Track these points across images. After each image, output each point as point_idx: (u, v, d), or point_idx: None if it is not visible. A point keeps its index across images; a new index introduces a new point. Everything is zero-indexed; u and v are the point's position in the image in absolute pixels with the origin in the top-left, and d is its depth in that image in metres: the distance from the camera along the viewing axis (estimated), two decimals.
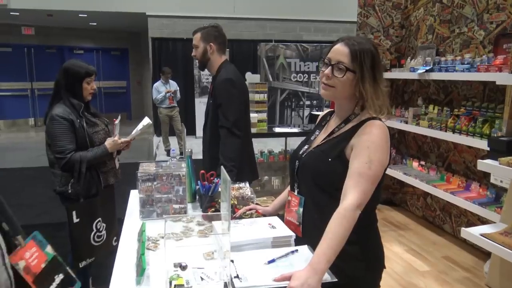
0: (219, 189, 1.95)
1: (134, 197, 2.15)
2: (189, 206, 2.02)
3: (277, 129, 4.41)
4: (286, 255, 1.41)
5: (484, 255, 3.63)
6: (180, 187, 1.86)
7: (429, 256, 3.74)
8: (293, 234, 1.52)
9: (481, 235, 2.80)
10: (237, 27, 10.40)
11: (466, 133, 3.43)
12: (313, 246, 1.44)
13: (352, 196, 1.34)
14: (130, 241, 1.68)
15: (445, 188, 3.82)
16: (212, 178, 1.95)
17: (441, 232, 4.27)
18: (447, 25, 4.09)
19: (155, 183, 1.84)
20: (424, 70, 3.91)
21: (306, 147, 1.60)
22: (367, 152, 1.38)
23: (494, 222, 3.16)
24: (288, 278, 1.24)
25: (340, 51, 1.46)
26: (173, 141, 8.33)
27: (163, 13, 10.23)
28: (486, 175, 3.58)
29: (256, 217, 1.75)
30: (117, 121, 2.54)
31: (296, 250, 1.44)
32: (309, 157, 1.53)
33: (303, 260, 1.38)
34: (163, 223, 1.81)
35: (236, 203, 1.88)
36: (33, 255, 1.01)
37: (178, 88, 7.96)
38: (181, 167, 1.94)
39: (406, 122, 4.27)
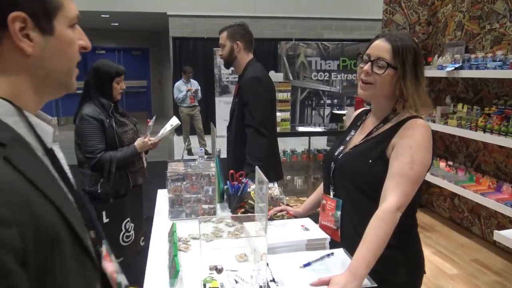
0: (248, 189, 1.92)
1: (162, 196, 2.14)
2: (217, 206, 1.99)
3: (300, 128, 4.36)
4: (322, 258, 1.37)
5: None
6: (210, 187, 1.84)
7: (458, 259, 3.63)
8: (327, 236, 1.48)
9: None
10: (257, 25, 10.36)
11: (498, 132, 3.32)
12: (352, 251, 1.39)
13: (392, 197, 1.29)
14: (160, 242, 1.66)
15: (475, 189, 3.71)
16: (241, 178, 1.92)
17: (469, 234, 4.15)
18: (477, 21, 3.97)
19: (184, 183, 1.82)
20: (453, 68, 3.81)
21: (341, 148, 1.55)
22: (409, 152, 1.33)
23: None
24: (326, 283, 1.20)
25: (381, 47, 1.41)
26: (194, 139, 8.36)
27: (183, 12, 10.27)
28: None
29: (287, 218, 1.71)
30: (150, 122, 2.53)
31: (332, 253, 1.40)
32: (346, 159, 1.48)
33: (339, 264, 1.34)
34: (192, 223, 1.81)
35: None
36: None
37: (199, 87, 7.98)
38: (209, 166, 1.92)
39: (434, 121, 4.16)
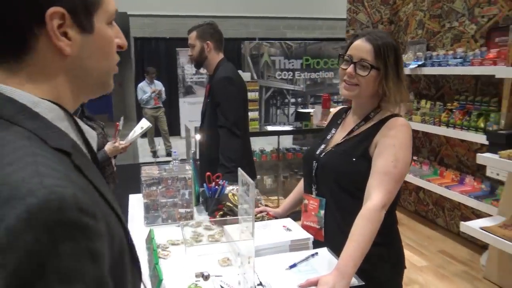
0: (225, 191, 1.89)
1: (135, 201, 2.07)
2: (194, 210, 1.94)
3: (269, 128, 4.35)
4: (307, 258, 1.35)
5: (479, 248, 3.66)
6: (186, 190, 1.78)
7: (425, 251, 3.74)
8: (311, 236, 1.47)
9: (481, 228, 2.81)
10: (220, 25, 10.21)
11: (460, 127, 3.44)
12: (336, 250, 1.39)
13: (377, 196, 1.29)
14: (138, 250, 1.59)
15: (439, 182, 3.83)
16: (218, 180, 1.88)
17: (434, 226, 4.29)
18: (437, 19, 4.09)
19: (159, 187, 1.75)
20: (416, 65, 3.91)
21: (323, 146, 1.54)
22: (393, 150, 1.34)
23: (490, 215, 3.18)
24: (315, 283, 1.18)
25: (362, 48, 1.40)
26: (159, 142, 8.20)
27: (144, 12, 10.06)
28: (480, 168, 3.60)
29: (267, 219, 1.69)
30: (120, 126, 2.43)
31: (316, 253, 1.38)
32: (329, 157, 1.47)
33: (325, 263, 1.33)
34: (169, 228, 1.75)
35: None
36: None
37: (163, 88, 7.83)
38: (185, 169, 1.86)
39: None
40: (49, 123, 0.61)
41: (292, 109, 10.51)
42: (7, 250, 0.46)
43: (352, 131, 1.49)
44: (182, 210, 1.79)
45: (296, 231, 1.52)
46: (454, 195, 3.58)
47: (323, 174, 1.48)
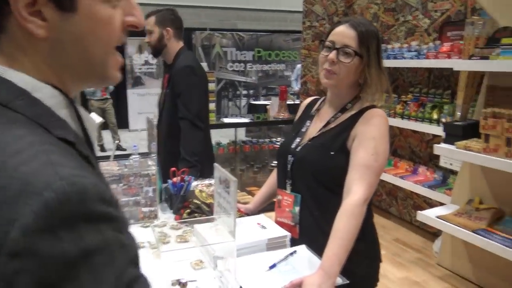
0: (191, 188, 1.78)
1: None
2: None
3: (226, 120, 4.25)
4: (286, 258, 1.28)
5: (431, 235, 3.79)
6: (150, 187, 1.65)
7: (381, 240, 3.76)
8: (288, 233, 1.40)
9: (437, 217, 2.89)
10: None
11: (415, 118, 3.52)
12: (313, 247, 1.33)
13: (358, 190, 1.24)
14: None
15: (394, 172, 3.92)
16: (183, 175, 1.77)
17: (388, 215, 4.40)
18: (392, 13, 4.16)
19: (120, 184, 1.61)
20: None
21: (298, 139, 1.47)
22: (373, 143, 1.29)
23: (442, 204, 3.29)
24: (299, 285, 1.12)
25: (346, 34, 1.34)
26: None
27: None
28: (432, 158, 3.72)
29: (239, 216, 1.60)
30: None
31: (295, 251, 1.32)
32: (307, 151, 1.40)
33: (305, 262, 1.27)
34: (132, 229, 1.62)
35: (213, 201, 1.72)
36: None
37: None
38: (147, 165, 1.73)
39: None
40: (50, 110, 0.53)
41: (244, 101, 10.45)
42: (27, 254, 0.40)
43: (328, 123, 1.43)
44: (145, 209, 1.66)
45: (272, 228, 1.44)
46: (409, 185, 3.67)
47: (299, 169, 1.41)
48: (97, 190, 0.46)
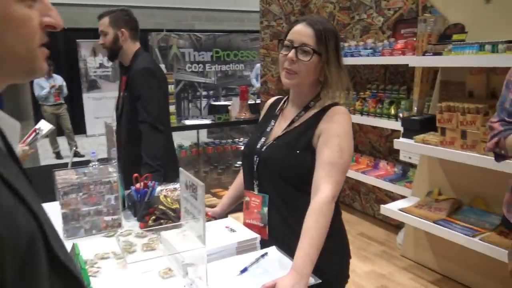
0: (156, 193, 1.72)
1: (49, 211, 1.80)
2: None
3: (188, 122, 4.18)
4: (257, 260, 1.26)
5: (394, 227, 3.89)
6: (112, 195, 1.59)
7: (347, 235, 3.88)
8: (257, 235, 1.38)
9: (399, 210, 2.97)
10: None
11: (374, 114, 3.60)
12: (283, 247, 1.32)
13: (326, 188, 1.24)
14: None
15: (356, 168, 4.00)
16: (147, 181, 1.71)
17: (351, 210, 4.48)
18: (347, 12, 4.24)
19: (80, 194, 1.53)
20: None
21: (263, 139, 1.45)
22: (337, 140, 1.30)
23: (403, 196, 3.39)
24: (272, 287, 1.10)
25: (303, 32, 1.34)
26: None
27: None
28: (392, 153, 3.82)
29: (207, 220, 1.56)
30: (38, 130, 2.08)
31: (266, 253, 1.30)
32: (272, 151, 1.39)
33: (276, 263, 1.26)
34: (94, 240, 1.55)
35: (179, 206, 1.67)
36: None
37: (64, 83, 7.17)
38: (108, 172, 1.66)
39: None
40: None
41: (204, 102, 10.35)
42: None
43: (292, 122, 1.43)
44: (108, 218, 1.59)
45: (241, 231, 1.42)
46: (371, 180, 3.75)
47: (265, 168, 1.40)
48: None
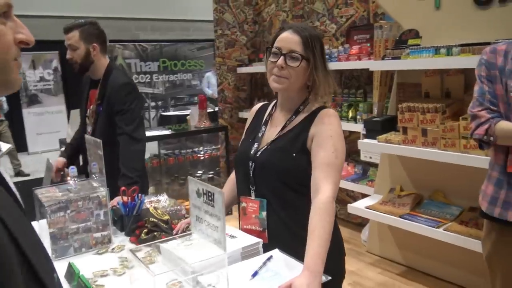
0: (144, 206, 1.69)
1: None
2: None
3: (149, 133, 4.09)
4: (265, 264, 1.28)
5: (356, 226, 4.04)
6: (101, 210, 1.53)
7: None
8: (260, 240, 1.39)
9: (366, 207, 3.10)
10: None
11: None
12: (285, 248, 1.35)
13: (326, 188, 1.29)
14: None
15: None
16: (134, 194, 1.67)
17: None
18: (300, 19, 4.37)
19: (68, 211, 1.47)
20: None
21: (256, 145, 1.48)
22: (331, 141, 1.35)
23: (365, 195, 3.54)
24: None
25: (291, 39, 1.39)
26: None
27: None
28: (351, 154, 3.97)
29: None
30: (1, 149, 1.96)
31: (271, 257, 1.32)
32: (269, 155, 1.42)
33: (283, 265, 1.28)
34: (86, 258, 1.49)
35: (169, 217, 1.65)
36: None
37: (4, 98, 6.75)
38: (93, 187, 1.61)
39: None
40: None
41: (153, 113, 10.16)
42: None
43: (284, 126, 1.47)
44: (97, 235, 1.54)
45: (242, 237, 1.43)
46: None
47: (263, 173, 1.42)
48: None
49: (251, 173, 1.44)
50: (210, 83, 8.88)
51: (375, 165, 3.54)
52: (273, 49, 1.42)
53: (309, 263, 1.17)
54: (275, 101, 1.59)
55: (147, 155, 4.59)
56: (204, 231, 1.18)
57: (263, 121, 1.56)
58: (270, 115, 1.56)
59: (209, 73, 8.90)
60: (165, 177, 4.51)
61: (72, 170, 1.75)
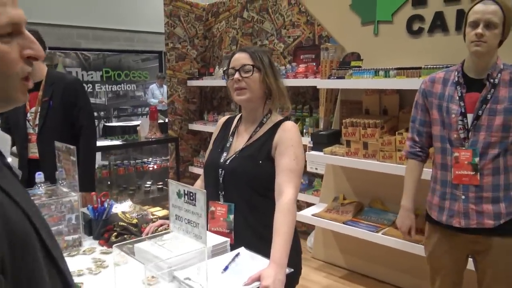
0: (113, 210, 1.77)
1: None
2: None
3: (99, 143, 4.07)
4: (233, 260, 1.42)
5: (302, 233, 4.24)
6: (73, 214, 1.59)
7: None
8: (228, 239, 1.53)
9: (312, 215, 3.32)
10: None
11: None
12: (249, 247, 1.49)
13: (288, 191, 1.47)
14: None
15: None
16: (103, 199, 1.74)
17: None
18: (250, 37, 4.59)
19: (43, 214, 1.51)
20: None
21: (225, 154, 1.63)
22: (292, 149, 1.53)
23: (311, 204, 3.77)
24: (257, 279, 1.27)
25: (241, 57, 1.60)
26: None
27: None
28: None
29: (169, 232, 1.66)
30: None
31: (239, 253, 1.46)
32: (238, 163, 1.57)
33: (250, 261, 1.43)
34: None
35: (137, 222, 1.73)
36: None
37: None
38: (64, 192, 1.66)
39: None
40: None
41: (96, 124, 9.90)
42: None
43: (251, 137, 1.63)
44: (68, 238, 1.59)
45: (210, 237, 1.54)
46: None
47: (232, 179, 1.57)
48: None
49: (221, 180, 1.58)
50: (154, 95, 8.87)
51: (320, 176, 3.79)
52: (229, 70, 1.62)
53: (275, 257, 1.33)
54: (240, 114, 1.76)
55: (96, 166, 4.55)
56: (184, 228, 1.30)
57: (230, 132, 1.71)
58: (237, 127, 1.72)
59: (153, 85, 8.90)
60: (114, 187, 4.49)
61: (39, 176, 1.79)
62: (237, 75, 1.59)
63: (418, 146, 1.99)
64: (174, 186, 1.27)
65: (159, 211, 2.06)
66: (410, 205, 2.04)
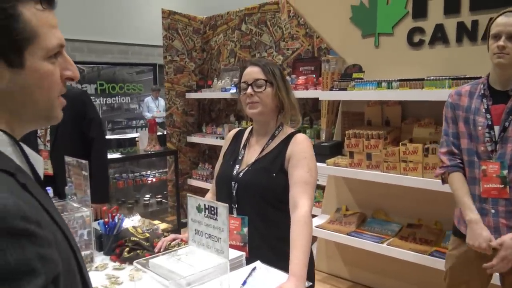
0: (124, 225, 1.75)
1: None
2: None
3: None
4: (251, 274, 1.40)
5: None
6: (85, 230, 1.57)
7: None
8: (243, 253, 1.52)
9: (316, 226, 3.31)
10: None
11: None
12: (263, 260, 1.48)
13: (304, 203, 1.46)
14: None
15: None
16: (114, 214, 1.72)
17: None
18: (248, 50, 4.62)
19: None
20: (235, 90, 4.31)
21: (237, 167, 1.62)
22: (306, 161, 1.54)
23: (314, 215, 3.77)
24: None
25: (253, 71, 1.60)
26: None
27: None
28: None
29: (184, 246, 1.64)
30: None
31: (255, 267, 1.45)
32: (251, 176, 1.57)
33: (267, 274, 1.41)
34: None
35: (148, 235, 1.72)
36: None
37: None
38: (74, 207, 1.64)
39: (223, 138, 4.58)
40: None
41: None
42: None
43: (263, 149, 1.63)
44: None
45: None
46: None
47: (245, 192, 1.56)
48: (18, 208, 0.54)
49: (234, 193, 1.58)
50: (149, 108, 8.85)
51: (321, 187, 3.79)
52: (242, 84, 1.62)
53: (295, 270, 1.32)
54: (251, 127, 1.76)
55: None
56: (205, 242, 1.29)
57: (242, 145, 1.71)
58: (248, 139, 1.72)
59: (148, 98, 8.90)
60: (113, 201, 4.44)
61: (48, 191, 1.77)
62: (249, 90, 1.59)
63: (458, 158, 1.90)
64: (193, 200, 1.26)
65: (159, 225, 2.05)
66: (478, 217, 1.78)
